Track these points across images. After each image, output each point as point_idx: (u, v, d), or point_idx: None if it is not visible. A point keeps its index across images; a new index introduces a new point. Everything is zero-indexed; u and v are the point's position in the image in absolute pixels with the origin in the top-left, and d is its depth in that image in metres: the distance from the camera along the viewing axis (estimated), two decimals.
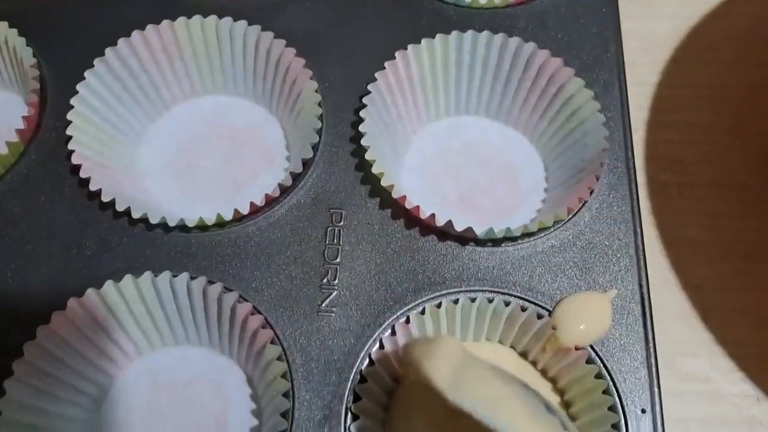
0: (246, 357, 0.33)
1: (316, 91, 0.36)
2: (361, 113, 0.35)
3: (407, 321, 0.32)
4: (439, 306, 0.32)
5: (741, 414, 0.35)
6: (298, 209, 0.35)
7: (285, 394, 0.30)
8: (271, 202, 0.35)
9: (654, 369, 0.31)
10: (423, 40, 0.37)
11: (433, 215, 0.33)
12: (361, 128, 0.34)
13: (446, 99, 0.39)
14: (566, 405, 0.32)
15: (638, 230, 0.34)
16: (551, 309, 0.32)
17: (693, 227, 0.39)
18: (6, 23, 0.38)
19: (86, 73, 0.36)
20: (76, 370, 0.31)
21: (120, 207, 0.33)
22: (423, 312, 0.32)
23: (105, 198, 0.33)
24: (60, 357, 0.31)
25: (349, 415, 0.30)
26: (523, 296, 0.33)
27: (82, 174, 0.34)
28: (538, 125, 0.38)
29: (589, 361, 0.31)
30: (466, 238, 0.34)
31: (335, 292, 0.33)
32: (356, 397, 0.31)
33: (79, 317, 0.31)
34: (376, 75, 0.36)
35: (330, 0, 0.40)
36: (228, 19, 0.37)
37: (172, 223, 0.33)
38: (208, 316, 0.32)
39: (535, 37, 0.38)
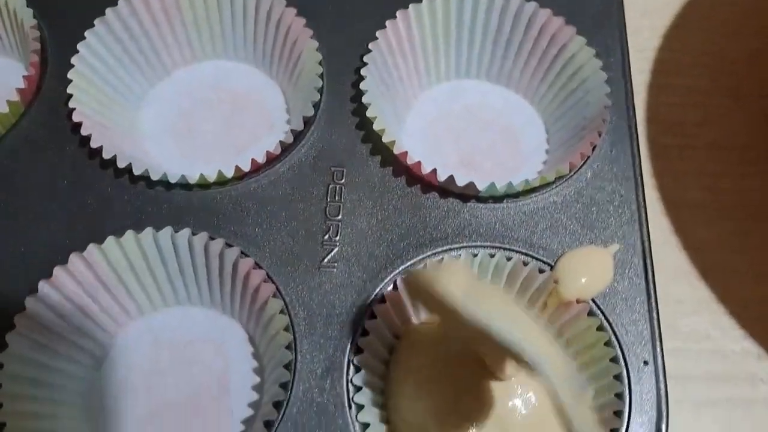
0: (248, 315, 0.33)
1: (316, 50, 0.36)
2: (362, 71, 0.35)
3: None
4: (440, 262, 0.32)
5: (742, 371, 0.35)
6: (299, 167, 0.35)
7: (288, 347, 0.30)
8: (272, 160, 0.34)
9: (656, 322, 0.31)
10: (424, 0, 0.37)
11: (434, 171, 0.33)
12: (362, 86, 0.34)
13: (447, 62, 0.39)
14: None
15: (640, 186, 0.34)
16: (553, 264, 0.32)
17: (694, 189, 0.39)
18: None
19: (87, 33, 0.36)
20: (77, 326, 0.31)
21: (121, 164, 0.33)
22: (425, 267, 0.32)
23: (106, 155, 0.33)
24: (61, 312, 0.31)
25: (351, 367, 0.30)
26: (524, 251, 0.33)
27: (83, 132, 0.34)
28: (539, 87, 0.38)
29: (591, 314, 0.31)
30: (467, 195, 0.34)
31: (337, 248, 0.33)
32: (358, 350, 0.31)
33: (80, 272, 0.31)
34: (377, 34, 0.36)
35: None
36: None
37: (173, 180, 0.33)
38: (210, 272, 0.32)
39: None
